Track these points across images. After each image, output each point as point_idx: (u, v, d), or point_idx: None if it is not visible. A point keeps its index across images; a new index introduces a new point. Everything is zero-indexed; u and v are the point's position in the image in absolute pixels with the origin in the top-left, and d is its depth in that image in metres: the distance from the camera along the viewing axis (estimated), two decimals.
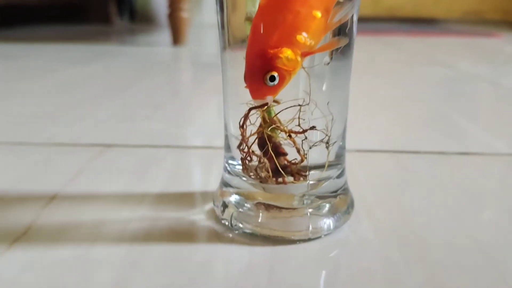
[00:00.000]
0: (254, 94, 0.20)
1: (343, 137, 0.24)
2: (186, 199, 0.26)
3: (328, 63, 0.21)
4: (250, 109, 0.21)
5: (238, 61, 0.23)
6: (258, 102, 0.21)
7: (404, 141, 0.38)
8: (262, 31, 0.19)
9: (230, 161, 0.24)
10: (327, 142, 0.22)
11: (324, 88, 0.23)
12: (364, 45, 1.17)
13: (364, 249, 0.21)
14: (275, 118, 0.22)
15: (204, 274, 0.19)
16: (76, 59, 0.85)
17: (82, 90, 0.57)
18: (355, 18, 0.23)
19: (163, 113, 0.46)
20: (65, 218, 0.24)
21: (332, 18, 0.21)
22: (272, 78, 0.19)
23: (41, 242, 0.21)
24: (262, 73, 0.19)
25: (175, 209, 0.25)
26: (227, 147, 0.24)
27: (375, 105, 0.51)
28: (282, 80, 0.20)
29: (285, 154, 0.23)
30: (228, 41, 0.23)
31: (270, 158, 0.23)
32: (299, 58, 0.20)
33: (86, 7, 1.66)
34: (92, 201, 0.26)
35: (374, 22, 1.83)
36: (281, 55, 0.19)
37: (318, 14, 0.19)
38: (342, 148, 0.24)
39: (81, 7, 1.67)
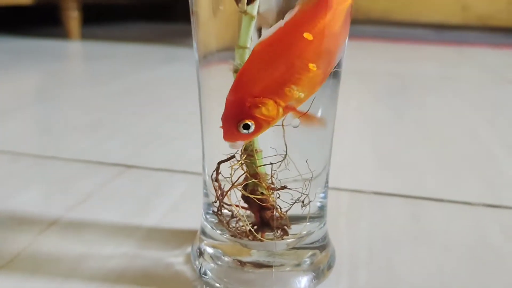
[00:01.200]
0: (226, 137, 0.19)
1: (325, 186, 0.23)
2: (174, 236, 0.26)
3: (297, 126, 0.20)
4: (219, 163, 0.21)
5: (212, 85, 0.22)
6: (231, 146, 0.20)
7: (427, 184, 0.35)
8: (249, 77, 0.19)
9: (207, 210, 0.23)
10: (302, 201, 0.22)
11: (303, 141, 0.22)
12: (443, 56, 1.11)
13: None
14: (258, 170, 0.22)
15: None
16: (149, 62, 0.88)
17: (133, 99, 0.60)
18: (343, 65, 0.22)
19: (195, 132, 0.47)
20: (53, 248, 0.25)
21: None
22: (246, 126, 0.19)
23: (21, 273, 0.23)
24: (237, 120, 0.19)
25: (158, 247, 0.25)
26: (204, 192, 0.24)
27: (415, 134, 0.48)
28: (258, 129, 0.19)
29: (269, 208, 0.22)
30: (199, 58, 0.23)
31: (254, 212, 0.22)
32: (281, 110, 0.19)
33: (173, 6, 1.72)
34: (86, 231, 0.27)
35: (463, 30, 1.73)
36: (260, 105, 0.19)
37: (314, 67, 0.18)
38: (324, 198, 0.23)
39: (169, 6, 1.73)
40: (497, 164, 0.40)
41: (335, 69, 0.21)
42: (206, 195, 0.24)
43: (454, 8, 1.68)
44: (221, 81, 0.21)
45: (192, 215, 0.28)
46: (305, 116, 0.20)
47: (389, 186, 0.34)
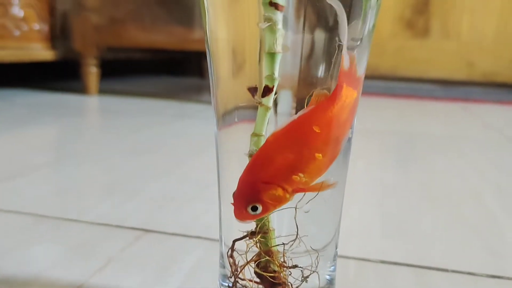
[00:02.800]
0: (237, 215, 0.21)
1: (334, 259, 0.25)
2: None
3: (307, 212, 0.22)
4: (234, 241, 0.23)
5: (231, 146, 0.24)
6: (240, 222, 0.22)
7: (432, 253, 0.36)
8: (261, 163, 0.21)
9: (222, 282, 0.25)
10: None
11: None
12: (448, 114, 1.13)
13: None
14: (271, 248, 0.23)
15: None
16: (162, 117, 0.91)
17: (148, 158, 0.62)
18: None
19: (208, 194, 0.49)
20: None
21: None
22: (254, 208, 0.21)
23: None
24: (247, 202, 0.21)
25: None
26: (221, 262, 0.25)
27: (421, 199, 0.50)
28: (265, 211, 0.21)
29: (281, 284, 0.24)
30: (217, 119, 0.24)
31: (266, 287, 0.24)
32: (288, 195, 0.21)
33: (184, 62, 1.78)
34: None
35: (468, 86, 1.76)
36: (269, 191, 0.21)
37: (320, 156, 0.21)
38: (333, 271, 0.25)
39: (180, 61, 1.79)
40: (501, 232, 0.41)
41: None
42: (222, 266, 0.25)
43: (459, 64, 1.73)
44: (240, 144, 0.23)
45: (208, 282, 0.30)
46: (318, 187, 0.22)
47: (395, 255, 0.36)
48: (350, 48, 0.22)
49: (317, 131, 0.20)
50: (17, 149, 0.65)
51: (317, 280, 0.24)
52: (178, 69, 1.80)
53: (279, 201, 0.21)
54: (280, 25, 0.22)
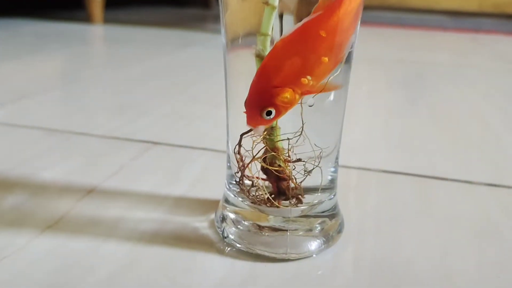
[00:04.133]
0: (250, 121, 0.22)
1: (336, 161, 0.26)
2: (200, 205, 0.29)
3: (312, 105, 0.23)
4: (241, 135, 0.24)
5: (239, 68, 0.25)
6: (254, 131, 0.23)
7: (433, 164, 0.38)
8: (270, 68, 0.22)
9: (229, 180, 0.26)
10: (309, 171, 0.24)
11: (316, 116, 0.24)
12: (457, 44, 1.12)
13: (334, 279, 0.23)
14: (277, 145, 0.24)
15: (183, 279, 0.22)
16: (168, 46, 0.91)
17: (156, 83, 0.62)
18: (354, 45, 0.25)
19: (216, 113, 0.49)
20: (93, 212, 0.28)
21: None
22: (269, 113, 0.22)
23: (67, 233, 0.26)
24: (260, 108, 0.22)
25: (185, 214, 0.28)
26: (228, 165, 0.27)
27: (425, 119, 0.51)
28: (278, 114, 0.22)
29: (285, 179, 0.25)
30: (226, 42, 0.25)
31: (272, 182, 0.25)
32: (297, 97, 0.22)
33: None
34: (121, 198, 0.30)
35: (479, 17, 1.72)
36: (281, 94, 0.21)
37: (326, 59, 0.21)
38: (334, 173, 0.26)
39: None
40: (502, 147, 0.42)
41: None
42: (229, 167, 0.26)
43: None
44: (247, 65, 0.24)
45: (214, 186, 0.31)
46: (325, 88, 0.23)
47: (396, 165, 0.37)
48: None
49: (323, 35, 0.21)
50: (24, 75, 0.66)
51: (320, 178, 0.25)
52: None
53: (290, 103, 0.22)
54: None
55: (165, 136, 0.41)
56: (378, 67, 0.80)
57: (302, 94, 0.22)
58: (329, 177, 0.26)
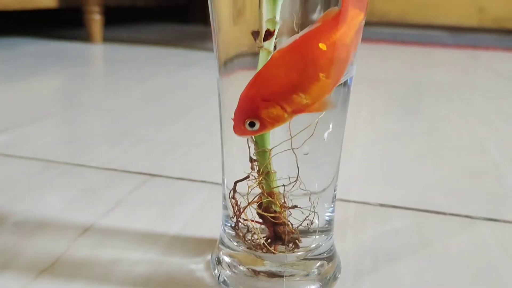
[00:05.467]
0: (235, 130, 0.22)
1: (333, 200, 0.26)
2: (196, 244, 0.29)
3: (306, 154, 0.23)
4: (236, 182, 0.24)
5: (233, 94, 0.23)
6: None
7: (431, 197, 0.37)
8: (263, 79, 0.21)
9: (225, 222, 0.26)
10: (311, 221, 0.24)
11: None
12: (457, 61, 1.12)
13: None
14: (273, 189, 0.24)
15: None
16: (168, 66, 0.91)
17: (154, 106, 0.63)
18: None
19: (212, 141, 0.49)
20: (89, 253, 0.28)
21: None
22: (252, 124, 0.21)
23: (62, 277, 0.26)
24: (245, 117, 0.21)
25: (181, 254, 0.28)
26: (223, 204, 0.26)
27: (424, 146, 0.51)
28: (263, 128, 0.21)
29: (282, 224, 0.25)
30: (219, 66, 0.24)
31: (268, 226, 0.25)
32: (286, 115, 0.21)
33: (189, 8, 1.75)
34: (117, 237, 0.30)
35: (478, 33, 1.73)
36: (267, 109, 0.20)
37: (323, 76, 0.20)
38: (331, 212, 0.26)
39: (184, 8, 1.76)
40: (501, 178, 0.42)
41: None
42: (225, 207, 0.26)
43: (470, 10, 1.69)
44: (240, 91, 0.23)
45: (211, 223, 0.31)
46: (318, 107, 0.21)
47: (394, 199, 0.37)
48: None
49: (323, 49, 0.20)
50: (24, 99, 0.66)
51: (317, 220, 0.24)
52: (182, 16, 1.77)
53: (277, 120, 0.21)
54: None
55: (162, 167, 0.41)
56: (377, 88, 0.80)
57: (294, 112, 0.21)
58: (326, 218, 0.26)
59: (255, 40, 0.23)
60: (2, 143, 0.46)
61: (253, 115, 0.21)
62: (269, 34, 0.22)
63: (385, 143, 0.51)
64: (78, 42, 1.18)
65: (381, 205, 0.36)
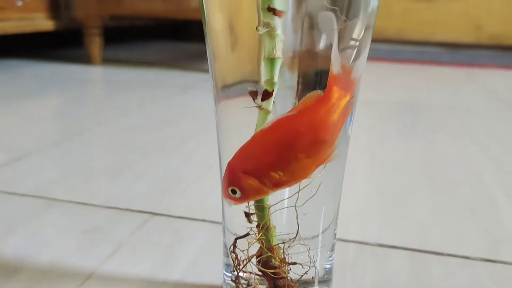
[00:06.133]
0: (224, 194, 0.23)
1: (332, 247, 0.26)
2: None
3: (305, 214, 0.23)
4: (236, 239, 0.24)
5: (231, 123, 0.24)
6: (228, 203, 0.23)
7: (428, 237, 0.38)
8: (245, 154, 0.22)
9: (225, 271, 0.27)
10: (312, 277, 0.25)
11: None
12: (454, 80, 1.13)
13: None
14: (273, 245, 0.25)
15: None
16: (167, 89, 0.92)
17: (154, 135, 0.63)
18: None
19: (213, 174, 0.50)
20: None
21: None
22: (234, 191, 0.22)
23: None
24: (228, 185, 0.22)
25: None
26: (224, 251, 0.27)
27: (421, 178, 0.51)
28: (246, 197, 0.22)
29: (282, 277, 0.25)
30: (216, 93, 0.25)
31: (268, 280, 0.25)
32: (265, 188, 0.22)
33: (187, 26, 1.76)
34: (119, 285, 0.30)
35: (475, 49, 1.74)
36: (246, 180, 0.21)
37: (303, 157, 0.21)
38: (331, 260, 0.26)
39: (182, 26, 1.78)
40: (498, 215, 0.43)
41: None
42: (226, 254, 0.27)
43: (466, 27, 1.70)
44: (238, 119, 0.24)
45: (212, 267, 0.32)
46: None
47: (392, 238, 0.37)
48: (347, 49, 0.22)
49: (301, 131, 0.21)
50: (24, 125, 0.66)
51: (316, 273, 0.25)
52: (181, 34, 1.79)
53: (257, 192, 0.22)
54: (279, 31, 0.22)
55: (163, 205, 0.42)
56: (373, 111, 0.81)
57: (275, 186, 0.21)
58: (327, 267, 0.26)
59: (253, 99, 0.24)
60: (4, 179, 0.46)
61: (235, 184, 0.22)
62: (267, 95, 0.23)
63: (382, 174, 0.52)
64: (77, 63, 1.19)
65: (380, 245, 0.36)
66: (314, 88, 0.22)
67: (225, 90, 0.25)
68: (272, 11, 0.22)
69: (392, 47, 1.71)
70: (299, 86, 0.24)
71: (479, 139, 0.67)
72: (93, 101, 0.86)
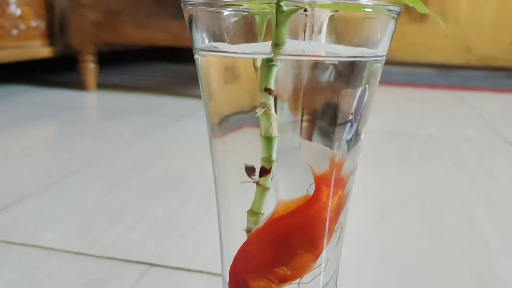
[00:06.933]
0: None
1: None
2: None
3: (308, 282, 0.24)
4: None
5: (228, 162, 0.24)
6: None
7: (423, 284, 0.38)
8: (246, 256, 0.22)
9: None
10: None
11: None
12: (446, 106, 1.14)
13: None
14: None
15: None
16: (165, 116, 0.93)
17: (152, 171, 0.64)
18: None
19: (211, 218, 0.50)
20: None
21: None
22: None
23: None
24: None
25: None
26: None
27: (415, 219, 0.52)
28: None
29: None
30: (210, 132, 0.25)
31: None
32: (274, 285, 0.22)
33: (182, 48, 1.77)
34: None
35: (466, 70, 1.77)
36: (254, 281, 0.22)
37: (302, 252, 0.22)
38: None
39: (177, 48, 1.79)
40: (491, 259, 0.43)
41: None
42: None
43: (457, 49, 1.73)
44: (235, 157, 0.24)
45: None
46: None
47: (389, 284, 0.38)
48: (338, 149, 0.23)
49: (296, 230, 0.21)
50: (17, 161, 0.67)
51: None
52: (175, 56, 1.80)
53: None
54: (272, 110, 0.23)
55: (161, 254, 0.42)
56: (366, 142, 0.82)
57: (281, 282, 0.22)
58: None
59: (249, 176, 0.24)
60: (3, 225, 0.47)
61: (243, 287, 0.22)
62: (264, 171, 0.24)
63: (376, 216, 0.52)
64: (73, 89, 1.19)
65: None
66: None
67: (221, 127, 0.25)
68: (268, 91, 0.23)
69: (384, 68, 1.73)
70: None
71: (471, 172, 0.68)
72: (88, 132, 0.87)
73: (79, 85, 1.20)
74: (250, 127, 0.23)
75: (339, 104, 0.23)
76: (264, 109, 0.23)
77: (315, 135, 0.23)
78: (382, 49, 0.25)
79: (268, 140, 0.23)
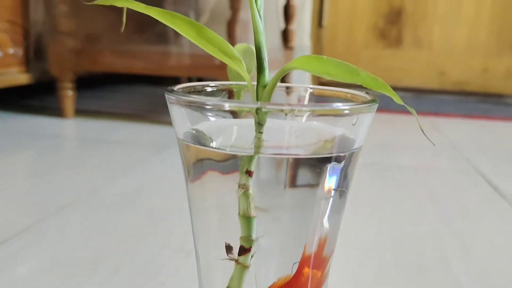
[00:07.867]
0: None
1: None
2: None
3: None
4: None
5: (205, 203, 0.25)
6: None
7: None
8: None
9: None
10: None
11: None
12: (417, 133, 1.17)
13: None
14: None
15: None
16: (145, 148, 0.93)
17: (132, 211, 0.64)
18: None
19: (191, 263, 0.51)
20: None
21: None
22: None
23: None
24: None
25: None
26: None
27: (392, 263, 0.53)
28: None
29: None
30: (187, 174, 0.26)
31: None
32: None
33: None
34: None
35: (440, 95, 1.81)
36: None
37: None
38: None
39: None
40: None
41: None
42: None
43: (431, 74, 1.77)
44: (213, 198, 0.25)
45: None
46: None
47: None
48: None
49: None
50: None
51: None
52: (157, 77, 1.80)
53: None
54: (250, 190, 0.24)
55: None
56: None
57: None
58: None
59: (227, 254, 0.25)
60: None
61: None
62: (243, 250, 0.24)
63: (353, 259, 0.53)
64: (50, 116, 1.18)
65: None
66: None
67: (196, 168, 0.26)
68: (248, 173, 0.24)
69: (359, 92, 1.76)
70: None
71: (446, 211, 0.70)
72: (66, 167, 0.86)
73: (57, 111, 1.19)
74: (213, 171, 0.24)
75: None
76: (243, 190, 0.24)
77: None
78: (360, 139, 0.26)
79: (247, 220, 0.24)
